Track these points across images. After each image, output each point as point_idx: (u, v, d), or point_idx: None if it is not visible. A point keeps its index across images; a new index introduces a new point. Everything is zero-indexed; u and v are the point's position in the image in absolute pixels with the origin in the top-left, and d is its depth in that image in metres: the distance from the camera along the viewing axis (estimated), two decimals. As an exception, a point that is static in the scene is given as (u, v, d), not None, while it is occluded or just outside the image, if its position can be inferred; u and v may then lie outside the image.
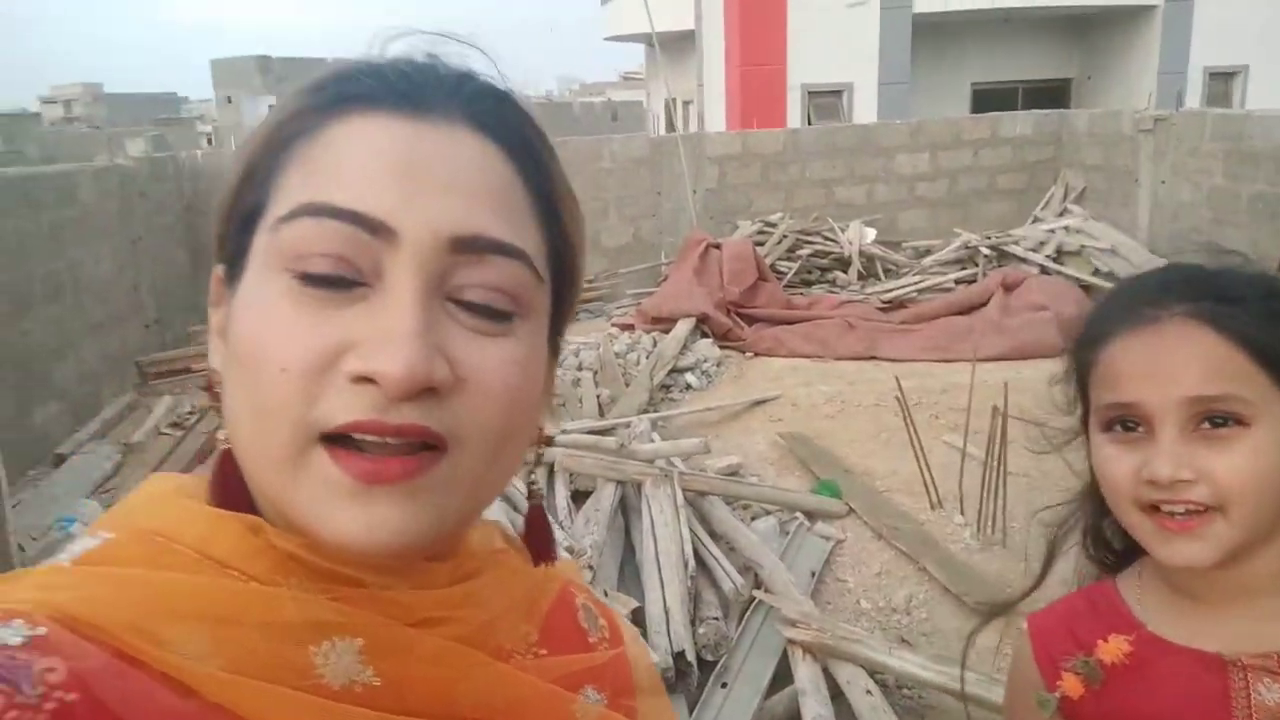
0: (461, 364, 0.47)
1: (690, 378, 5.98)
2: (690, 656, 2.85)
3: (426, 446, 0.46)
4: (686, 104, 17.90)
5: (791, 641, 2.89)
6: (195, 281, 7.89)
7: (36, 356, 5.27)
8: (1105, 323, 0.86)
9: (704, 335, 6.64)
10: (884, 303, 7.53)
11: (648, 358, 6.06)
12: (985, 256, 8.34)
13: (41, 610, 0.42)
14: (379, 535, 0.46)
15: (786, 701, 2.77)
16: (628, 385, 5.63)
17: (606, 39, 21.04)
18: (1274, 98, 12.17)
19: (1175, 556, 0.80)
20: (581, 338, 6.50)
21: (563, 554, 0.69)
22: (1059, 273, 7.84)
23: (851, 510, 4.05)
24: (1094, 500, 0.92)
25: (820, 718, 2.60)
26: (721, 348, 6.53)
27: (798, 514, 3.97)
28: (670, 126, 15.44)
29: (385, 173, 0.48)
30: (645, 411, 5.18)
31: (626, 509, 3.75)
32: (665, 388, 5.80)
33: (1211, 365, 0.78)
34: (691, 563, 3.24)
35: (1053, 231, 8.57)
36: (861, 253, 8.50)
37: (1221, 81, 14.73)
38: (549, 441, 0.60)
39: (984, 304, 6.99)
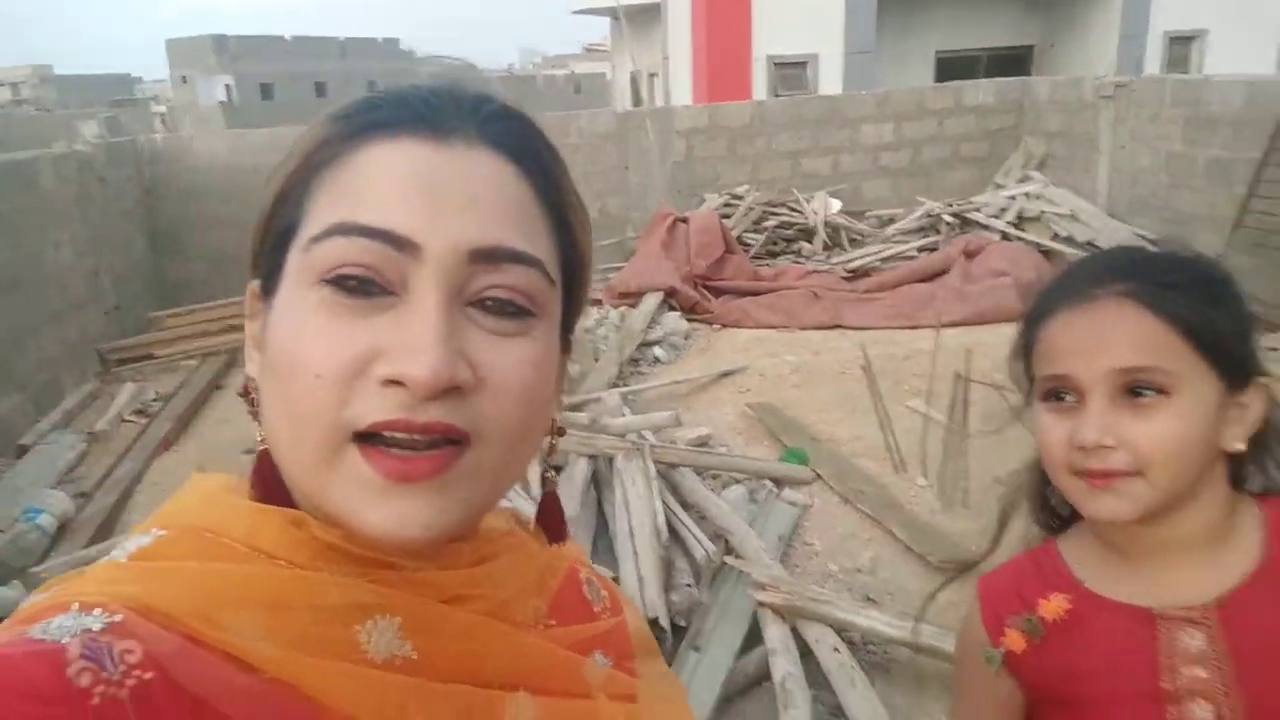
0: (482, 365, 0.52)
1: (658, 351, 6.03)
2: (664, 623, 2.93)
3: (450, 442, 0.51)
4: (652, 76, 17.84)
5: (762, 604, 2.97)
6: (155, 267, 7.81)
7: (-2, 346, 5.22)
8: (1049, 301, 0.92)
9: (671, 309, 6.69)
10: (848, 272, 7.61)
11: (616, 332, 6.10)
12: (947, 224, 8.45)
13: (116, 600, 0.47)
14: (410, 528, 0.50)
15: (758, 661, 2.85)
16: (597, 360, 5.67)
17: (575, 12, 20.93)
18: (1233, 61, 12.34)
19: (1100, 511, 0.87)
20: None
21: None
22: (1019, 238, 7.96)
23: (818, 476, 4.14)
24: (1039, 468, 0.98)
25: (790, 676, 2.68)
26: (689, 320, 6.58)
27: (766, 482, 4.05)
28: (636, 100, 15.39)
29: (410, 193, 0.52)
30: (615, 386, 5.23)
31: (599, 483, 3.80)
32: (634, 361, 5.85)
33: (1139, 339, 0.84)
34: (664, 532, 3.31)
35: (1013, 198, 8.68)
36: (826, 223, 8.57)
37: (1181, 46, 14.90)
38: (561, 432, 0.65)
39: (946, 271, 7.09)
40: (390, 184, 0.52)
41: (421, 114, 0.55)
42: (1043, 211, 8.28)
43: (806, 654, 2.83)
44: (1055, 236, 7.95)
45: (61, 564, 3.46)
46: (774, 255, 8.43)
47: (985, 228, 8.25)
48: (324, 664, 0.49)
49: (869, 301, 6.78)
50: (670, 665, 2.78)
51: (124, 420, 5.44)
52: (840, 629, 2.88)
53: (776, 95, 13.63)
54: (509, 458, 0.54)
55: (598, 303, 6.98)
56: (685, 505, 3.65)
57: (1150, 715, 0.87)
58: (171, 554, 0.52)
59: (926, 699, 2.76)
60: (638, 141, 8.91)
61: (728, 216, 8.29)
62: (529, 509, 0.70)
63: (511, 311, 0.53)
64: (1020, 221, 8.34)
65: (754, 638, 2.93)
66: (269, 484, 0.56)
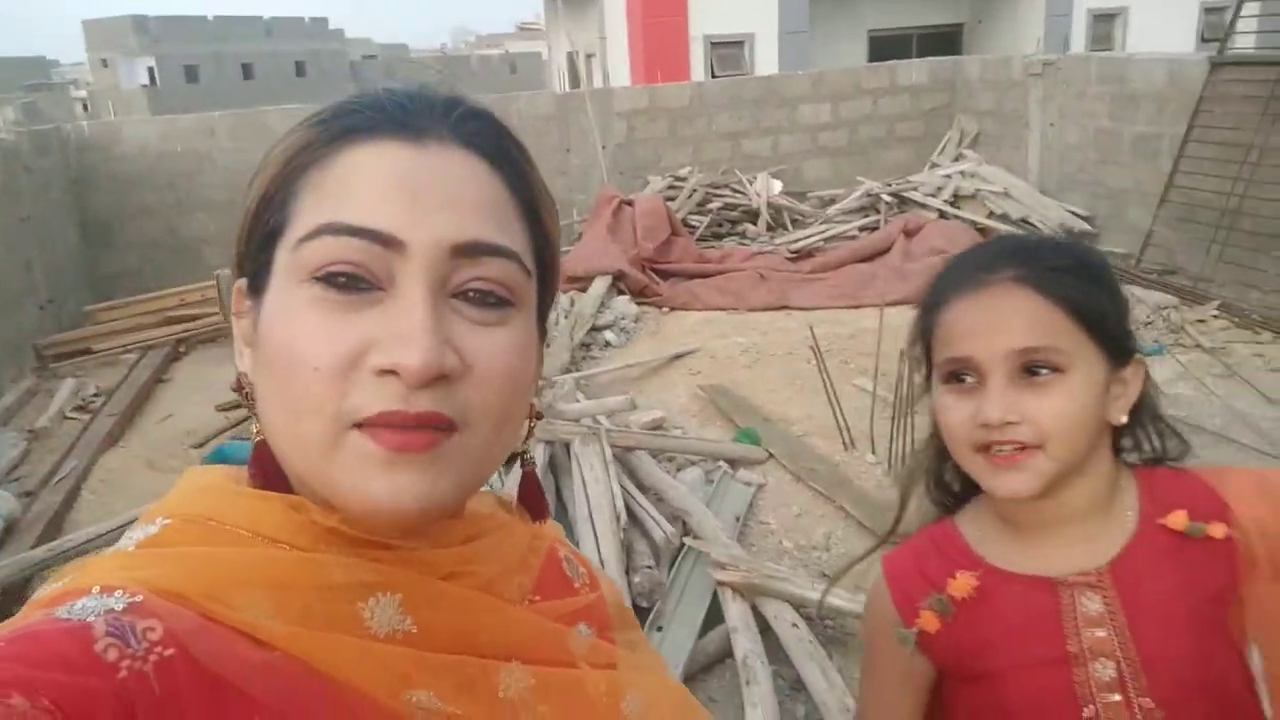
0: (468, 353, 0.55)
1: (609, 335, 6.07)
2: (627, 604, 2.98)
3: (439, 429, 0.55)
4: (589, 57, 17.73)
5: (721, 583, 3.04)
6: (88, 259, 7.60)
7: (-71, 345, 5.05)
8: (944, 289, 0.96)
9: (620, 292, 6.72)
10: (792, 253, 7.72)
11: (566, 317, 6.12)
12: (886, 203, 8.60)
13: (133, 583, 0.50)
14: (405, 500, 0.54)
15: (719, 639, 2.93)
16: (548, 346, 5.68)
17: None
18: (1153, 37, 12.72)
19: (1003, 488, 0.91)
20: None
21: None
22: (956, 217, 8.14)
23: (771, 456, 4.23)
24: (935, 448, 1.04)
25: (751, 652, 2.76)
26: (638, 304, 6.62)
27: (721, 463, 4.13)
28: (575, 81, 15.30)
29: (392, 193, 0.55)
30: (568, 371, 5.26)
31: (556, 468, 3.84)
32: (585, 346, 5.88)
33: (1033, 321, 0.90)
34: (623, 515, 3.36)
35: (949, 177, 8.88)
36: (769, 204, 8.67)
37: (1105, 23, 15.30)
38: (539, 416, 0.69)
39: (887, 250, 7.24)
40: (373, 185, 0.55)
41: (397, 117, 0.58)
42: (977, 190, 8.49)
43: (766, 630, 2.91)
44: (990, 214, 8.15)
45: (12, 564, 3.39)
46: (719, 237, 8.51)
47: (923, 206, 8.43)
48: (332, 638, 0.53)
49: (814, 282, 6.90)
50: (636, 645, 2.86)
51: (66, 417, 5.32)
52: (798, 605, 2.97)
53: (714, 76, 13.68)
54: (494, 440, 0.58)
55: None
56: (643, 488, 3.71)
57: (1058, 678, 0.92)
58: (178, 541, 0.55)
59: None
60: (578, 123, 8.89)
61: (672, 199, 8.34)
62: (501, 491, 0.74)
63: (492, 302, 0.57)
64: (956, 200, 8.54)
65: (715, 616, 3.01)
66: (268, 473, 0.60)
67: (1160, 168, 7.18)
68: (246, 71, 39.39)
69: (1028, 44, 12.07)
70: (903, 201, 8.66)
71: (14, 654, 0.44)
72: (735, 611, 2.94)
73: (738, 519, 3.68)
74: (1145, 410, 0.99)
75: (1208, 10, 14.89)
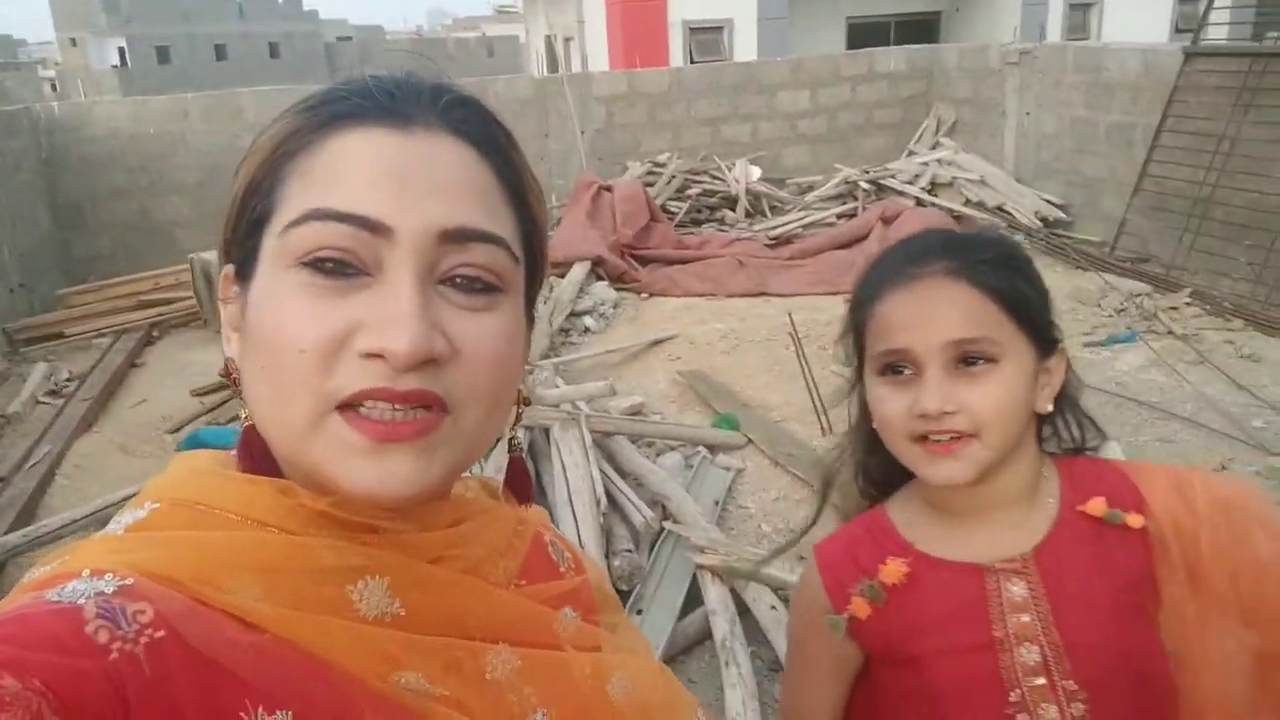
0: (457, 337, 0.56)
1: (588, 321, 6.07)
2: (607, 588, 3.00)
3: (428, 408, 0.55)
4: (567, 41, 17.64)
5: (700, 566, 3.06)
6: (60, 242, 7.49)
7: (-104, 329, 4.97)
8: (876, 284, 0.97)
9: (599, 278, 6.71)
10: (771, 239, 7.73)
11: (545, 303, 6.11)
12: (864, 191, 8.63)
13: (123, 567, 0.50)
14: (393, 485, 0.54)
15: (699, 622, 2.95)
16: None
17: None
18: (1128, 27, 12.82)
19: (940, 476, 0.93)
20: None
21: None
22: (933, 204, 8.19)
23: (750, 441, 4.25)
24: (861, 438, 1.05)
25: (730, 634, 2.79)
26: (617, 290, 6.61)
27: (700, 448, 4.15)
28: (553, 65, 15.23)
29: (380, 180, 0.55)
30: (546, 357, 5.26)
31: (536, 454, 3.85)
32: (564, 332, 5.88)
33: (967, 312, 0.91)
34: (603, 500, 3.37)
35: (926, 164, 8.92)
36: (748, 191, 8.68)
37: (1080, 12, 15.41)
38: (527, 402, 0.69)
39: (865, 237, 7.26)
40: (361, 171, 0.55)
41: (385, 104, 0.58)
42: (954, 178, 8.54)
43: (745, 613, 2.94)
44: (967, 202, 8.20)
45: (-16, 554, 3.35)
46: (698, 223, 8.51)
47: (900, 194, 8.47)
48: (321, 621, 0.53)
49: (792, 269, 6.92)
50: (616, 629, 2.88)
51: (38, 402, 5.25)
52: (776, 587, 3.00)
53: (693, 61, 13.66)
54: (483, 424, 0.58)
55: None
56: (622, 473, 3.73)
57: (984, 663, 0.94)
58: (167, 525, 0.55)
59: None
60: (557, 108, 8.85)
61: (651, 185, 8.32)
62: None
63: (480, 288, 0.57)
64: (933, 187, 8.58)
65: (694, 599, 3.03)
66: (256, 457, 0.60)
67: (1134, 157, 7.25)
68: (219, 53, 38.86)
69: (1004, 32, 12.12)
70: (880, 189, 8.70)
71: (5, 635, 0.44)
72: (714, 594, 2.96)
73: (717, 503, 3.70)
74: (1066, 400, 1.01)
75: (1182, 0, 15.03)
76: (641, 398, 4.75)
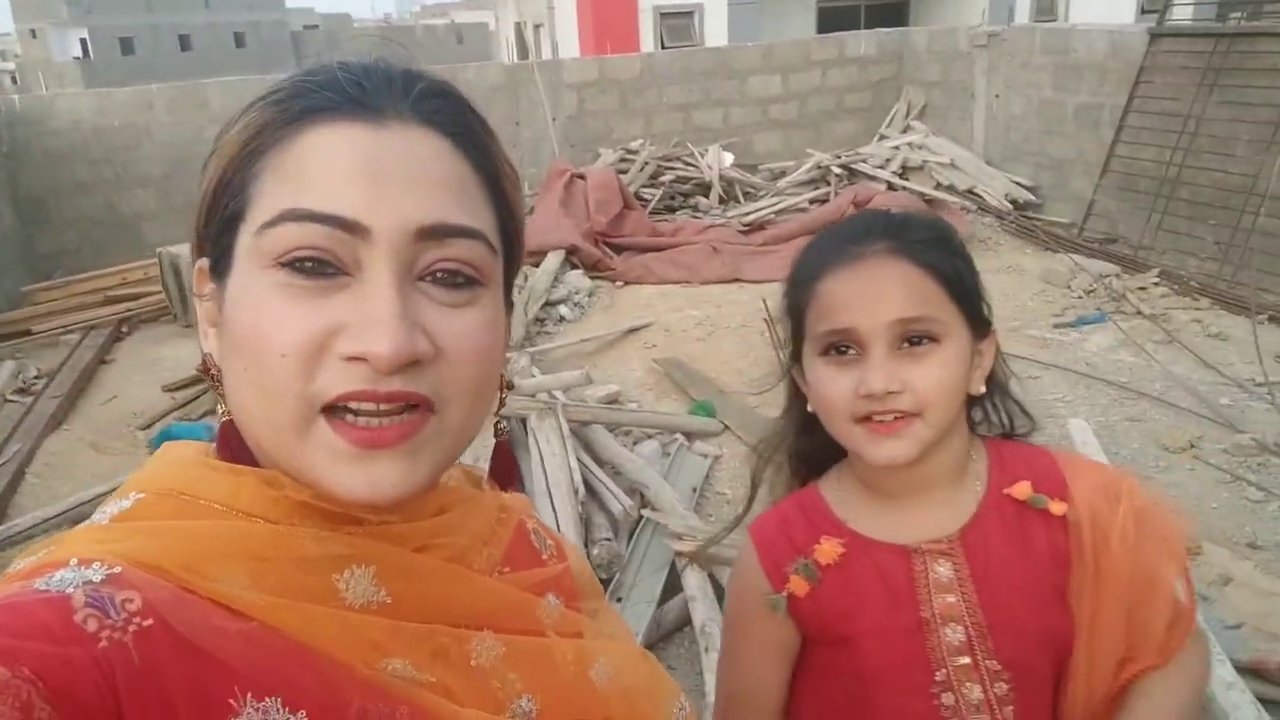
0: (438, 335, 0.56)
1: (563, 310, 6.06)
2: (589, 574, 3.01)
3: (412, 408, 0.55)
4: (537, 27, 17.53)
5: (679, 553, 3.08)
6: (24, 237, 7.37)
7: None
8: (818, 264, 0.97)
9: (574, 266, 6.70)
10: (744, 225, 7.74)
11: (520, 292, 6.09)
12: (836, 175, 8.66)
13: (110, 555, 0.50)
14: (381, 489, 0.55)
15: (678, 608, 2.97)
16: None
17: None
18: (1095, 8, 12.89)
19: (883, 455, 0.92)
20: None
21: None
22: (904, 188, 8.23)
23: (726, 428, 4.27)
24: (794, 420, 1.06)
25: (709, 620, 2.80)
26: (592, 278, 6.60)
27: (677, 435, 4.15)
28: (523, 52, 15.13)
29: (353, 177, 0.55)
30: (522, 346, 5.25)
31: (512, 443, 3.84)
32: (539, 321, 5.86)
33: (911, 291, 0.91)
34: (581, 489, 3.38)
35: (897, 148, 8.96)
36: (721, 177, 8.68)
37: (1048, -7, 15.47)
38: (510, 387, 0.70)
39: (837, 222, 7.29)
40: (333, 169, 0.55)
41: (356, 97, 0.57)
42: (925, 161, 8.58)
43: (724, 598, 2.95)
44: (937, 185, 8.26)
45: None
46: (671, 210, 8.51)
47: (872, 178, 8.50)
48: (308, 609, 0.54)
49: (766, 254, 6.93)
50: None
51: (6, 400, 5.17)
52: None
53: (664, 47, 13.62)
54: (468, 417, 0.59)
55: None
56: (600, 461, 3.73)
57: (912, 643, 0.95)
58: (152, 515, 0.56)
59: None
60: (528, 95, 8.80)
61: (624, 172, 8.30)
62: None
63: (460, 282, 0.57)
64: (905, 171, 8.62)
65: (673, 586, 3.04)
66: (235, 452, 0.60)
67: (1102, 138, 7.32)
68: (184, 43, 38.27)
69: (973, 14, 12.18)
70: (852, 173, 8.73)
71: None
72: (693, 580, 2.98)
73: (694, 490, 3.72)
74: (995, 383, 1.02)
75: (1147, -18, 15.13)
76: (618, 386, 4.76)
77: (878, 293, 0.92)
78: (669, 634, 2.96)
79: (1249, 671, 2.44)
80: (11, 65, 35.88)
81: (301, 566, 0.55)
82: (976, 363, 0.97)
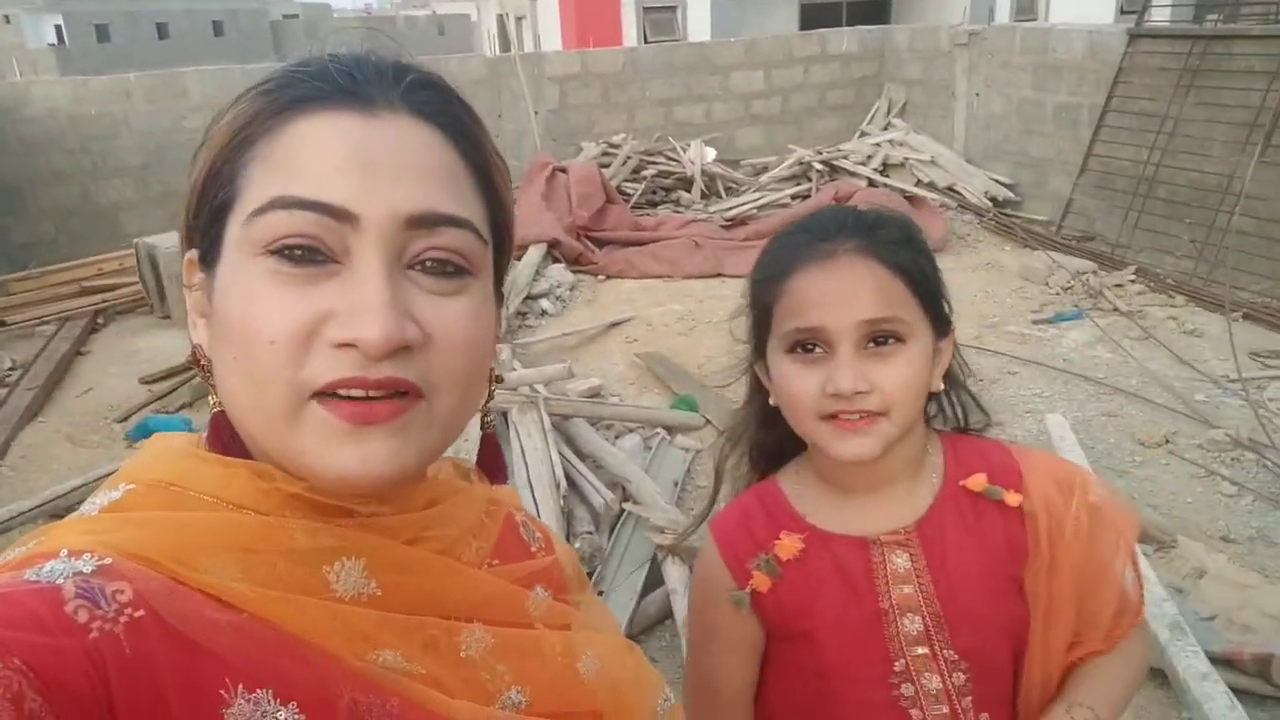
0: (428, 323, 0.56)
1: (545, 303, 6.05)
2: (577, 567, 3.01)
3: (402, 394, 0.55)
4: (520, 20, 17.47)
5: (660, 547, 3.09)
6: (-1, 226, 7.27)
7: None
8: (787, 260, 0.96)
9: (556, 260, 6.69)
10: (727, 220, 7.76)
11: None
12: (818, 171, 8.69)
13: (101, 546, 0.50)
14: (372, 467, 0.55)
15: (660, 601, 2.98)
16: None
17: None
18: (1074, 7, 12.99)
19: (848, 452, 0.93)
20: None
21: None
22: (885, 185, 8.26)
23: (708, 422, 4.28)
24: (754, 414, 1.07)
25: (692, 613, 2.82)
26: (574, 272, 6.60)
27: (659, 429, 4.17)
28: (505, 44, 15.08)
29: (343, 165, 0.55)
30: (503, 340, 5.24)
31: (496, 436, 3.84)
32: (521, 314, 5.85)
33: (880, 291, 0.92)
34: (563, 483, 3.38)
35: (878, 145, 9.00)
36: (703, 172, 8.69)
37: (1028, -8, 15.56)
38: (499, 379, 0.70)
39: (819, 218, 7.31)
40: (323, 157, 0.55)
41: (346, 87, 0.57)
42: (906, 158, 8.63)
43: (704, 591, 2.97)
44: (918, 182, 8.30)
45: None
46: (654, 205, 8.51)
47: (853, 175, 8.54)
48: (299, 600, 0.54)
49: (748, 249, 6.94)
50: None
51: (-20, 392, 5.11)
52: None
53: (646, 40, 13.61)
54: (457, 406, 0.59)
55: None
56: (581, 455, 3.73)
57: (871, 634, 0.96)
58: (142, 506, 0.56)
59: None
60: (510, 88, 8.77)
61: (606, 166, 8.29)
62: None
63: (449, 271, 0.58)
64: (885, 168, 8.67)
65: (655, 579, 3.05)
66: (226, 443, 0.60)
67: (1080, 137, 7.39)
68: (161, 30, 37.82)
69: (954, 13, 12.24)
70: (834, 170, 8.76)
71: None
72: (674, 574, 2.99)
73: (676, 484, 3.73)
74: (951, 378, 1.03)
75: (1126, -18, 15.26)
76: (600, 380, 4.76)
77: (848, 292, 0.92)
78: (650, 627, 2.97)
79: (1222, 662, 2.48)
80: (-16, 52, 35.32)
81: (292, 558, 0.55)
82: (937, 360, 0.98)
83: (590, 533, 3.23)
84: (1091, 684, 0.98)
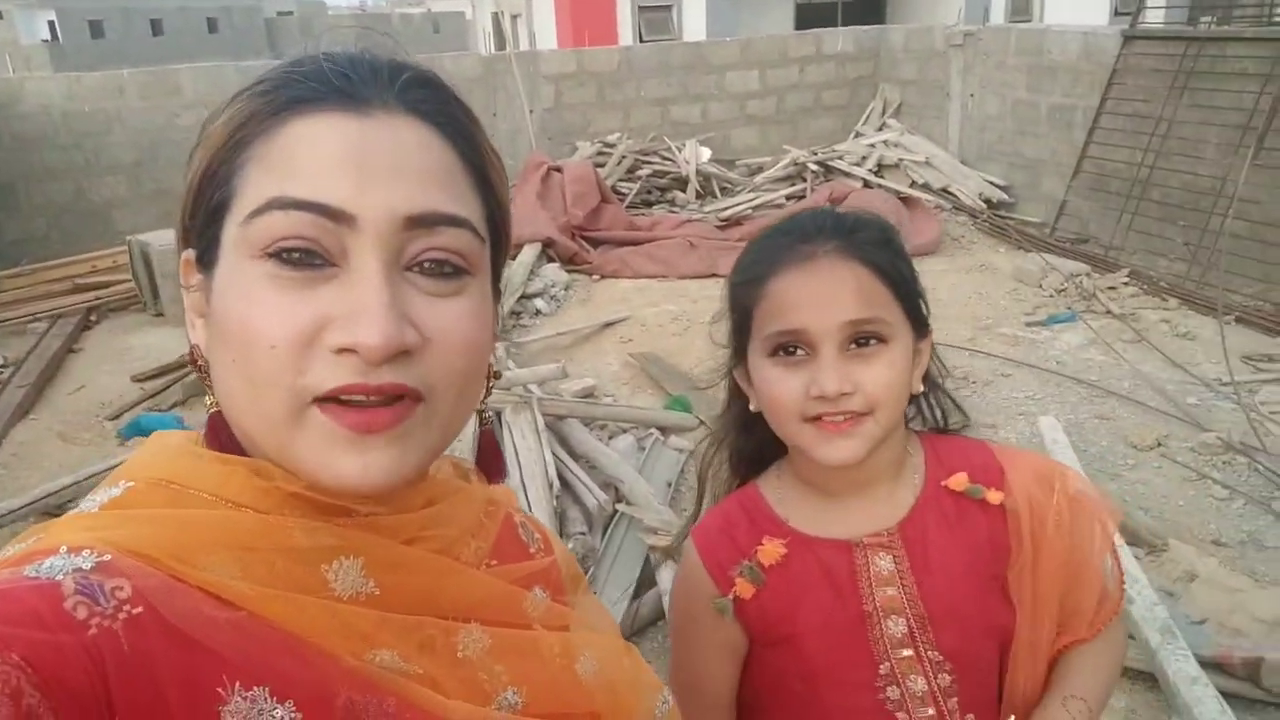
0: (426, 326, 0.56)
1: (540, 303, 6.05)
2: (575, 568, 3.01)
3: (402, 399, 0.55)
4: (515, 18, 17.45)
5: (653, 547, 3.09)
6: (-10, 223, 7.24)
7: None
8: (768, 262, 0.96)
9: (550, 260, 6.68)
10: (722, 220, 7.76)
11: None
12: (813, 172, 8.69)
13: (100, 543, 0.50)
14: (373, 475, 0.55)
15: (652, 602, 2.98)
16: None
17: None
18: (1069, 9, 13.02)
19: (834, 455, 0.92)
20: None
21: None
22: (880, 185, 8.27)
23: (702, 423, 4.27)
24: (735, 419, 1.06)
25: (684, 614, 2.82)
26: (569, 271, 6.59)
27: (652, 430, 4.16)
28: (500, 43, 15.06)
29: (340, 166, 0.55)
30: (499, 338, 5.23)
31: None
32: (515, 314, 5.85)
33: (862, 292, 0.92)
34: (556, 483, 3.38)
35: (873, 146, 9.01)
36: (698, 172, 8.69)
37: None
38: (497, 376, 0.70)
39: (814, 218, 7.32)
40: (320, 158, 0.55)
41: (342, 87, 0.57)
42: (900, 159, 8.64)
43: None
44: (912, 183, 8.31)
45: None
46: (649, 205, 8.50)
47: (848, 175, 8.55)
48: (298, 599, 0.54)
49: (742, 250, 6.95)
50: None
51: (-29, 390, 5.09)
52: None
53: (642, 39, 13.61)
54: (457, 406, 0.59)
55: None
56: (575, 456, 3.73)
57: (855, 638, 0.96)
58: (142, 503, 0.56)
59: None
60: (505, 87, 8.76)
61: (601, 165, 8.29)
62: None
63: (448, 272, 0.58)
64: (880, 169, 8.67)
65: (647, 580, 3.05)
66: (224, 442, 0.60)
67: (1075, 139, 7.40)
68: (155, 27, 37.66)
69: (949, 13, 12.25)
70: (828, 170, 8.76)
71: None
72: (667, 575, 2.99)
73: (669, 485, 3.73)
74: (930, 381, 1.04)
75: (1121, -16, 15.29)
76: (593, 380, 4.76)
77: (830, 294, 0.92)
78: (643, 628, 2.97)
79: (1213, 666, 2.49)
80: (-23, 47, 35.17)
81: (290, 557, 0.55)
82: (917, 362, 0.98)
83: (583, 533, 3.23)
84: (1080, 675, 0.99)
